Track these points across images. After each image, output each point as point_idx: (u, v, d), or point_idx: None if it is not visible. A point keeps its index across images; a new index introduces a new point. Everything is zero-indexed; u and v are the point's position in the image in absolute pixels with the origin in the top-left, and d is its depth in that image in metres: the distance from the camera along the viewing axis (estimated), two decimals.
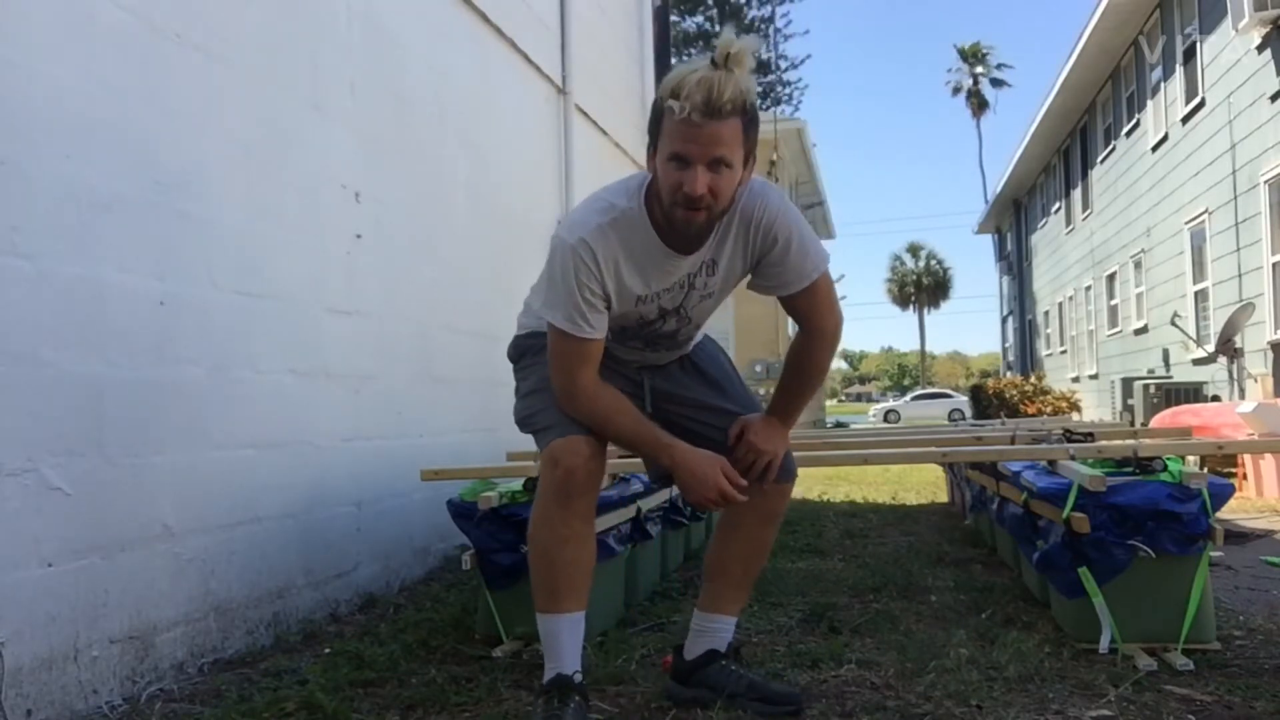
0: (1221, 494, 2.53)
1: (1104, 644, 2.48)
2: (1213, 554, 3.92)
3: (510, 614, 2.72)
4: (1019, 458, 3.16)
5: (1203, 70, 11.02)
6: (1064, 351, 19.58)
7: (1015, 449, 3.25)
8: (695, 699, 2.15)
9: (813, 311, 2.09)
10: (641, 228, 1.97)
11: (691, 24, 38.11)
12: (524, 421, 2.19)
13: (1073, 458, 2.83)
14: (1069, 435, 3.37)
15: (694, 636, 2.21)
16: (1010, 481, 3.18)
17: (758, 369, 14.20)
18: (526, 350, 2.23)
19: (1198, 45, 11.16)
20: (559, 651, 2.01)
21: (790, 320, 2.23)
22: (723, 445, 2.11)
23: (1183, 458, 2.87)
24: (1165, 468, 2.58)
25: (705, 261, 2.04)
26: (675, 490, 3.49)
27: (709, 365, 2.28)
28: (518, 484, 2.83)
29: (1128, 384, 11.47)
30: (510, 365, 2.31)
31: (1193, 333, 11.32)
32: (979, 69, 45.68)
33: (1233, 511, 5.65)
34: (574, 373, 2.00)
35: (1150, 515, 2.46)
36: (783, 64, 35.55)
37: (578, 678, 2.01)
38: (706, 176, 1.83)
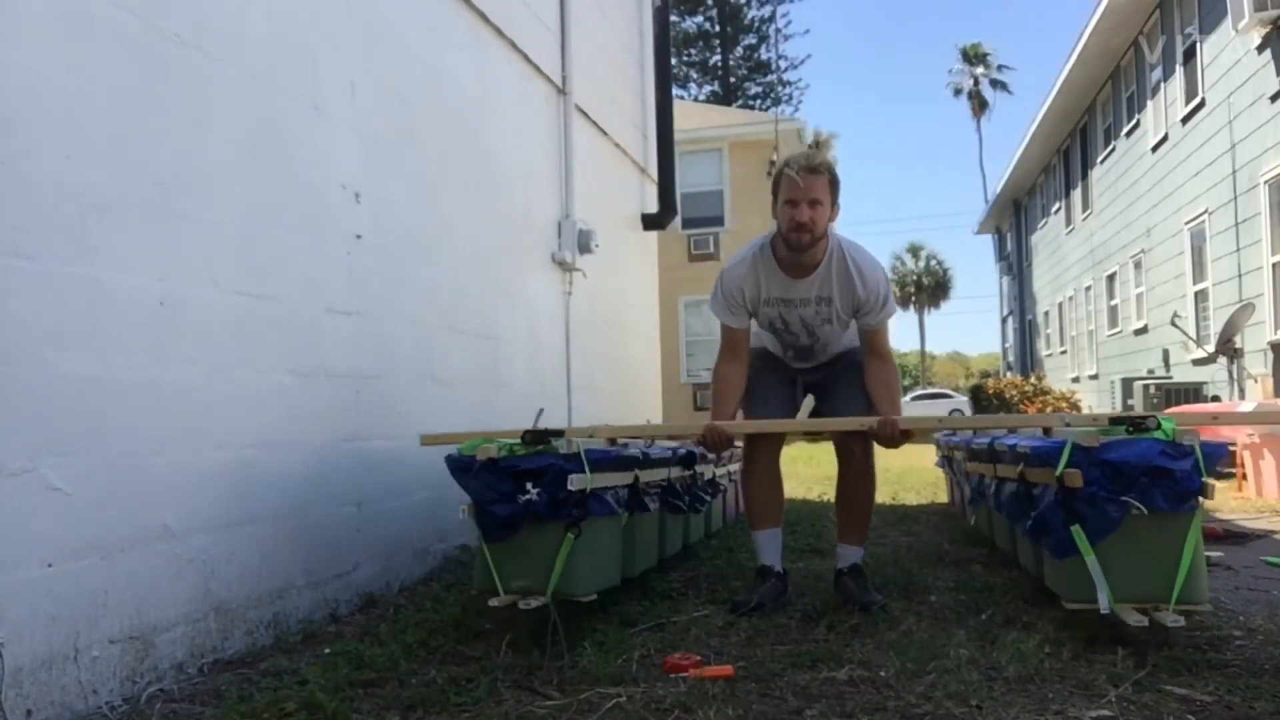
0: (1214, 454, 2.54)
1: (1104, 603, 2.48)
2: (1213, 554, 3.95)
3: (507, 567, 2.73)
4: (1014, 424, 3.21)
5: (1203, 70, 11.02)
6: (1064, 352, 19.59)
7: (1012, 417, 3.34)
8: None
9: (876, 340, 3.18)
10: (765, 258, 3.17)
11: (691, 24, 38.10)
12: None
13: (1067, 424, 2.86)
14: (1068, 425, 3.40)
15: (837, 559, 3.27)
16: (1006, 459, 3.20)
17: None
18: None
19: (1198, 45, 11.16)
20: (761, 551, 3.24)
21: None
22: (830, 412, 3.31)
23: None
24: (1159, 426, 2.58)
25: (822, 297, 3.13)
26: (671, 472, 3.65)
27: (838, 384, 3.32)
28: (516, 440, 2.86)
29: (1128, 384, 11.49)
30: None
31: (1193, 333, 11.32)
32: (980, 70, 45.66)
33: (1233, 511, 5.65)
34: (723, 349, 3.25)
35: (1143, 471, 2.47)
36: (783, 64, 35.57)
37: (775, 566, 3.21)
38: (808, 211, 3.00)
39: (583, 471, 2.71)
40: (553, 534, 2.71)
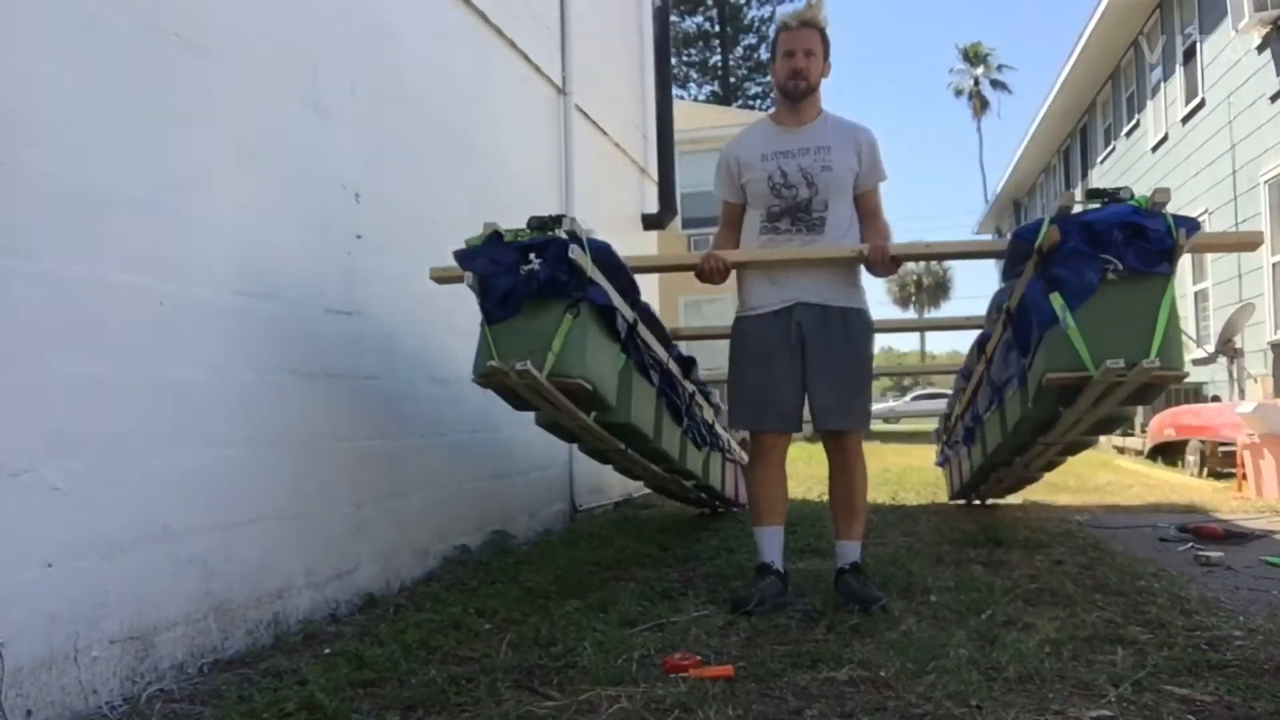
0: (1186, 222, 2.66)
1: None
2: (1213, 554, 3.95)
3: (505, 345, 2.85)
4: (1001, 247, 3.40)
5: (1203, 70, 11.02)
6: None
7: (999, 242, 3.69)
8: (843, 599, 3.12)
9: (871, 200, 3.37)
10: (762, 124, 3.46)
11: (691, 24, 38.13)
12: (732, 414, 3.44)
13: None
14: None
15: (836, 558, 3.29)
16: (995, 318, 3.44)
17: None
18: (733, 335, 3.42)
19: (1198, 45, 11.16)
20: (763, 549, 3.26)
21: None
22: (801, 404, 3.28)
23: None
24: (1132, 196, 2.73)
25: (821, 146, 3.27)
26: (672, 365, 3.83)
27: (838, 361, 3.24)
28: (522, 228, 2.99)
29: None
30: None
31: (1193, 333, 11.32)
32: (980, 70, 45.69)
33: (1233, 511, 5.65)
34: (721, 224, 3.50)
35: (1117, 226, 2.60)
36: None
37: (775, 564, 3.22)
38: (803, 60, 3.26)
39: (584, 250, 2.83)
40: (552, 317, 2.82)
